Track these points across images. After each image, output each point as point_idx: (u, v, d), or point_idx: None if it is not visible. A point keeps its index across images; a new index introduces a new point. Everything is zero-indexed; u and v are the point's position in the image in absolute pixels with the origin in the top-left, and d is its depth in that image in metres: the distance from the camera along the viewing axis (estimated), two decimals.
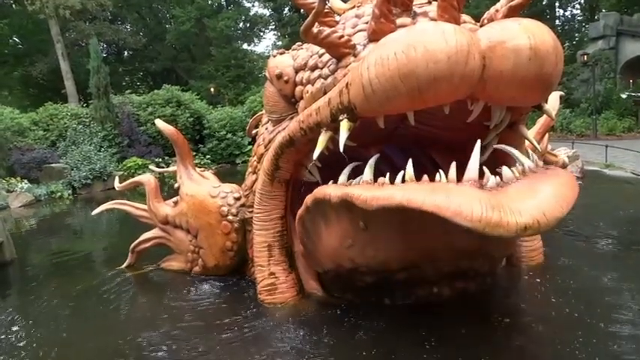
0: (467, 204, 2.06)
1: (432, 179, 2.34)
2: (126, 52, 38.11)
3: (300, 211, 3.19)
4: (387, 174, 2.49)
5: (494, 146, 2.79)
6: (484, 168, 2.38)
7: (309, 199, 3.00)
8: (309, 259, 3.55)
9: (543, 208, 2.11)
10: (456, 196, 2.11)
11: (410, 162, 2.42)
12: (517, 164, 2.51)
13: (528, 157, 2.61)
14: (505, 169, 2.38)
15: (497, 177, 2.33)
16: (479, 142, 2.41)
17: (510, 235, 2.06)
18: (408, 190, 2.26)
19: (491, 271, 3.37)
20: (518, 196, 2.19)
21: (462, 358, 2.74)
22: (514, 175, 2.37)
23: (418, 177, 2.37)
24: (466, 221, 2.03)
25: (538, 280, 3.75)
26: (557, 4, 32.66)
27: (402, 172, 2.41)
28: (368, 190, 2.46)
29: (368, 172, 2.60)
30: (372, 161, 2.65)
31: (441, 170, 2.34)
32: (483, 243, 2.77)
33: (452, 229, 2.19)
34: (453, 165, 2.32)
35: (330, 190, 2.74)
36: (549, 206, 2.13)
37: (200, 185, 4.47)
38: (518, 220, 2.03)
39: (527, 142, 3.01)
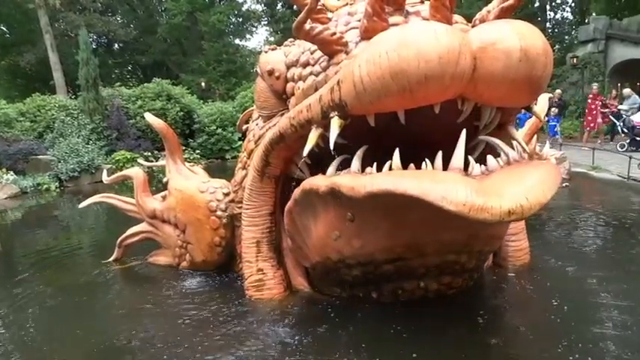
0: (452, 188, 2.11)
1: (418, 168, 2.40)
2: (116, 45, 37.63)
3: (288, 205, 3.21)
4: (375, 164, 2.52)
5: (480, 137, 2.85)
6: (470, 158, 2.46)
7: (297, 191, 3.03)
8: (297, 253, 3.55)
9: (526, 193, 2.17)
10: (442, 181, 2.17)
11: (397, 151, 2.45)
12: (502, 155, 2.59)
13: (513, 148, 2.68)
14: (490, 158, 2.50)
15: (483, 166, 2.43)
16: (464, 131, 2.45)
17: (495, 220, 2.10)
18: (394, 177, 2.32)
19: (478, 267, 3.38)
20: (502, 183, 2.27)
21: (446, 357, 2.76)
22: (498, 164, 2.47)
23: (405, 167, 2.41)
24: (451, 205, 2.07)
25: (523, 280, 3.79)
26: (548, 6, 32.88)
27: (388, 162, 2.44)
28: (355, 178, 2.49)
29: (356, 163, 2.62)
30: (360, 152, 2.66)
31: (427, 160, 2.39)
32: (470, 237, 2.81)
33: (438, 222, 2.26)
34: (439, 154, 2.39)
35: (318, 181, 2.76)
36: (532, 191, 2.20)
37: (189, 180, 4.44)
38: (502, 205, 2.09)
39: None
